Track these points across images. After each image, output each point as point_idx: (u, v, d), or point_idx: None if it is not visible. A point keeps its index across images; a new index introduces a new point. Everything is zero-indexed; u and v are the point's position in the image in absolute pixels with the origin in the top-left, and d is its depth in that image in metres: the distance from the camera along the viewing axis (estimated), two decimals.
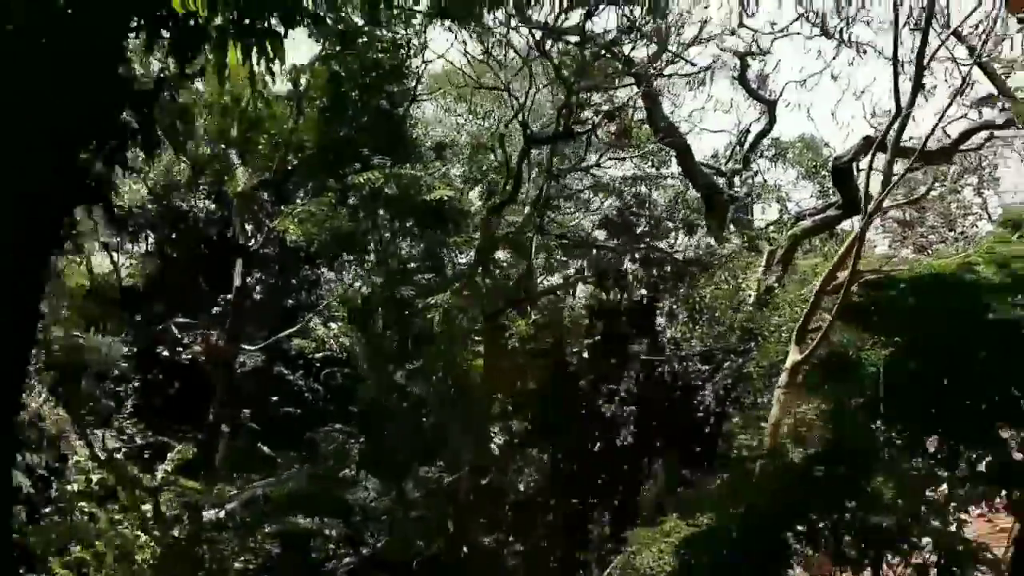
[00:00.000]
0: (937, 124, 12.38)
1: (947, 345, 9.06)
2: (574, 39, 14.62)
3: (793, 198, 23.86)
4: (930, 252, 20.39)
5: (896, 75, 12.03)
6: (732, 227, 19.56)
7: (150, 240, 22.69)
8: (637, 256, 17.96)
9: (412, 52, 18.62)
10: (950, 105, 12.01)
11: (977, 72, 15.43)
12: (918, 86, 12.01)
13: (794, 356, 12.26)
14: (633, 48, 14.97)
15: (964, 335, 8.77)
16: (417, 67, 18.63)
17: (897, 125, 11.88)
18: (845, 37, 17.46)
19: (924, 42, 11.90)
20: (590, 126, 16.10)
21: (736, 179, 20.33)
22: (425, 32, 17.49)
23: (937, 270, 11.31)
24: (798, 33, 17.97)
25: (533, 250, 16.56)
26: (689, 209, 19.95)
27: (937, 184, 22.98)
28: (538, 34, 14.53)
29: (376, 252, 18.65)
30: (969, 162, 21.31)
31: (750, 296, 16.90)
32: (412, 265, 18.53)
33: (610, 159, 17.93)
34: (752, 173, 20.33)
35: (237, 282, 19.00)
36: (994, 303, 8.74)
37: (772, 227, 22.18)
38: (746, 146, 20.12)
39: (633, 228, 18.69)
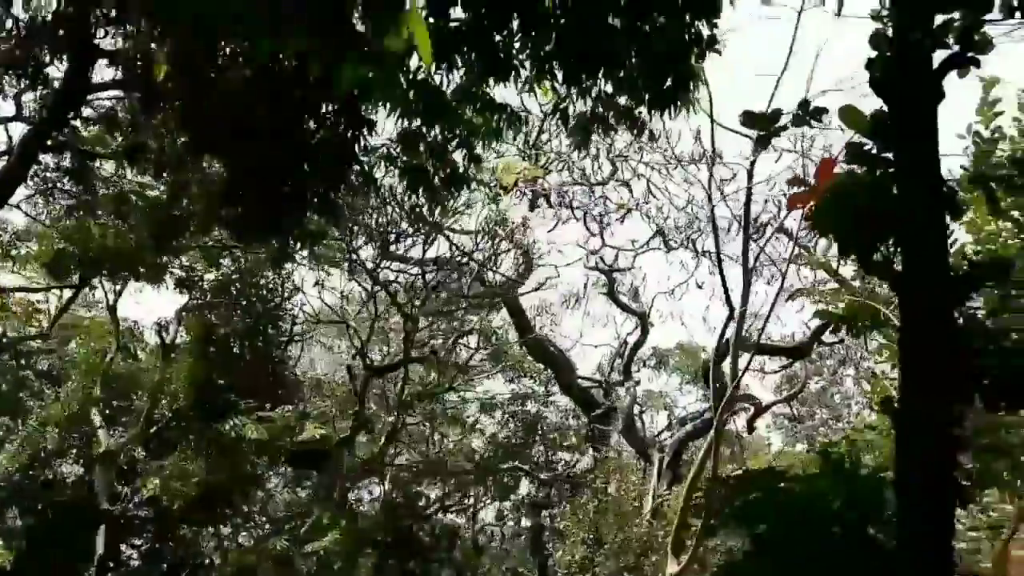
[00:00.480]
0: (766, 321, 12.89)
1: (805, 547, 8.72)
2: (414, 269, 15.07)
3: (680, 403, 24.20)
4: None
5: (723, 280, 12.67)
6: (621, 438, 19.43)
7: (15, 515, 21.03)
8: (519, 474, 17.47)
9: (286, 294, 18.83)
10: (775, 304, 12.50)
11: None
12: (748, 286, 12.58)
13: (672, 568, 11.75)
14: (475, 274, 15.44)
15: (818, 536, 8.47)
16: (291, 307, 18.75)
17: (734, 325, 12.31)
18: (697, 249, 18.51)
19: (746, 247, 12.61)
20: (430, 352, 16.18)
21: (622, 390, 20.46)
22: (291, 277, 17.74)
23: (813, 464, 11.25)
24: (656, 248, 18.97)
25: (387, 482, 15.99)
26: (576, 424, 19.81)
27: (816, 378, 23.66)
28: (370, 264, 14.92)
29: (254, 502, 17.72)
30: (840, 354, 22.08)
31: (643, 509, 16.43)
32: (292, 511, 17.57)
33: (463, 382, 17.87)
34: (634, 383, 20.50)
35: (100, 551, 17.52)
36: (833, 499, 8.55)
37: (663, 434, 22.21)
38: (624, 358, 20.43)
39: (514, 447, 18.33)
